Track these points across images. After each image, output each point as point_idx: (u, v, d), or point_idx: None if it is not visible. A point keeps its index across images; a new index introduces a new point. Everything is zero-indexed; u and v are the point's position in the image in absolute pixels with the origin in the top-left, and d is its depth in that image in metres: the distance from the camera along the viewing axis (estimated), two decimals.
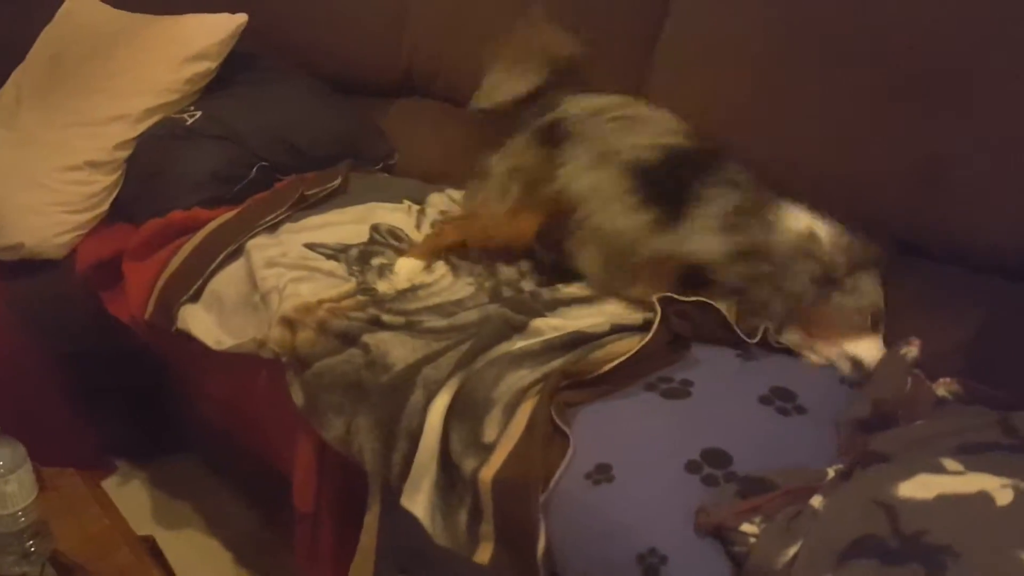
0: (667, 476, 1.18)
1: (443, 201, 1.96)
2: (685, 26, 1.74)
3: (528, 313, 1.47)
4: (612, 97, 1.67)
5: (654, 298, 1.44)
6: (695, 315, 1.44)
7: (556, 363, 1.34)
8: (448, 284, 1.65)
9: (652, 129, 1.58)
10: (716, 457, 1.19)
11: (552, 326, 1.42)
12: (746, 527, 1.10)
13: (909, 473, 1.15)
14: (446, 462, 1.29)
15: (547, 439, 1.24)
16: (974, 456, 1.20)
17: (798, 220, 1.44)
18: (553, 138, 1.62)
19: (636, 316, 1.46)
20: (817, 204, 1.46)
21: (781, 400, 1.32)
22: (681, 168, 1.52)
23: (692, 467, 1.18)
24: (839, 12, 1.54)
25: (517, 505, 1.20)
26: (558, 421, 1.25)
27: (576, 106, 1.65)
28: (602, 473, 1.19)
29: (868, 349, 1.37)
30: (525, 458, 1.22)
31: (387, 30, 2.25)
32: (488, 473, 1.23)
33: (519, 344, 1.39)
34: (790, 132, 1.56)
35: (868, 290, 1.41)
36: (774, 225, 1.44)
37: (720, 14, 1.69)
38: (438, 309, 1.54)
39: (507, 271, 1.70)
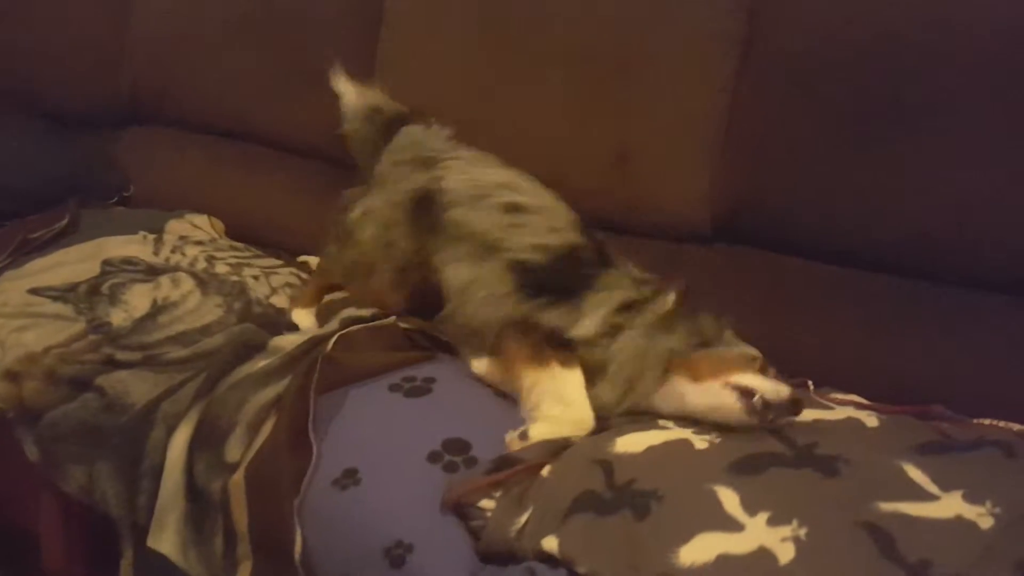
0: (410, 470, 1.23)
1: (183, 227, 1.92)
2: (399, 36, 1.81)
3: (270, 330, 1.48)
4: (490, 167, 1.49)
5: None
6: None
7: (298, 376, 1.36)
8: (195, 306, 1.61)
9: (540, 224, 1.42)
10: (456, 445, 1.26)
11: (291, 341, 1.44)
12: (485, 503, 1.18)
13: (625, 432, 1.28)
14: (194, 493, 1.28)
15: (294, 448, 1.26)
16: None
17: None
18: (428, 217, 1.44)
19: (364, 312, 1.51)
20: None
21: None
22: (566, 271, 1.39)
23: (434, 457, 1.24)
24: (536, 18, 1.67)
25: (271, 512, 1.22)
26: (311, 433, 1.28)
27: (456, 176, 1.46)
28: (349, 477, 1.23)
29: (755, 380, 1.24)
30: (273, 466, 1.24)
31: (105, 61, 2.17)
32: (237, 488, 1.24)
33: (261, 364, 1.39)
34: (503, 132, 1.67)
35: (746, 347, 1.33)
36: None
37: (430, 22, 1.78)
38: (181, 338, 1.51)
39: (259, 288, 1.70)
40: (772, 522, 1.09)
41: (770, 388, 1.22)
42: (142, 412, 1.34)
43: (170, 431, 1.30)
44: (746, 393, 1.22)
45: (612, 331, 1.33)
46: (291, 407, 1.28)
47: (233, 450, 1.27)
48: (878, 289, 1.51)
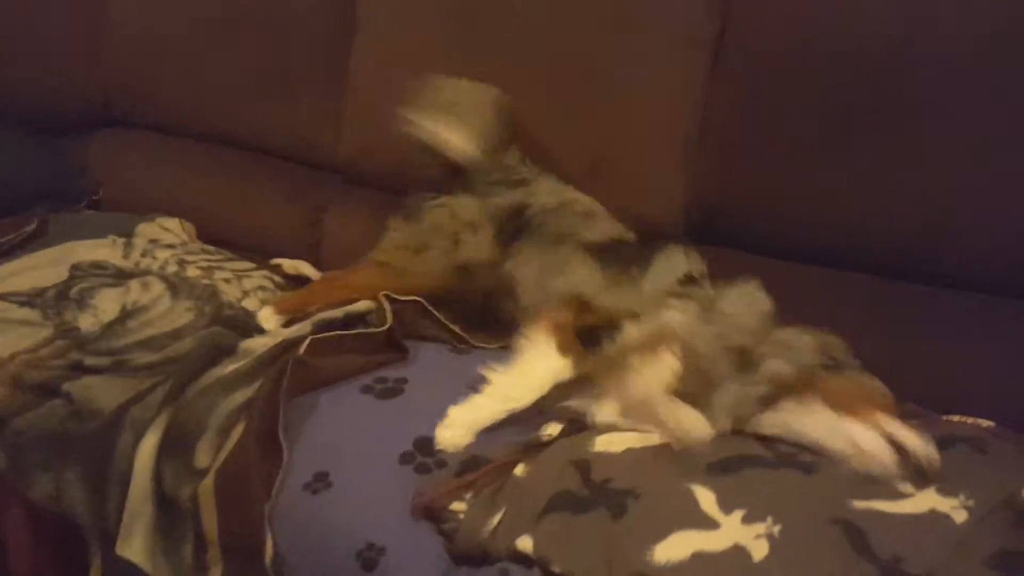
0: (382, 472, 1.22)
1: (153, 230, 1.89)
2: (373, 41, 1.81)
3: (240, 331, 1.47)
4: (570, 189, 1.58)
5: (381, 295, 1.50)
6: (408, 315, 1.52)
7: (267, 380, 1.34)
8: (165, 310, 1.58)
9: (609, 225, 1.52)
10: (427, 445, 1.25)
11: (262, 344, 1.43)
12: (456, 505, 1.17)
13: (604, 431, 1.27)
14: (163, 500, 1.26)
15: (264, 452, 1.24)
16: None
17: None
18: (514, 228, 1.50)
19: (337, 313, 1.50)
20: None
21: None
22: (629, 249, 1.46)
23: (406, 458, 1.23)
24: (510, 23, 1.67)
25: (241, 518, 1.20)
26: (281, 436, 1.26)
27: (543, 190, 1.55)
28: (320, 481, 1.22)
29: (909, 435, 1.13)
30: (243, 472, 1.22)
31: (78, 61, 2.13)
32: (207, 494, 1.22)
33: (231, 367, 1.37)
34: None
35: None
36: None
37: (403, 27, 1.77)
38: (150, 343, 1.48)
39: (231, 291, 1.68)
40: (747, 520, 1.09)
41: (923, 451, 1.11)
42: (110, 418, 1.32)
43: (138, 437, 1.28)
44: (899, 448, 1.12)
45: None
46: (261, 411, 1.27)
47: (202, 455, 1.25)
48: (854, 288, 1.51)
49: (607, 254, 1.41)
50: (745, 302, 1.32)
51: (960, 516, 1.10)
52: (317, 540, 1.18)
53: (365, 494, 1.20)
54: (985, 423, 1.32)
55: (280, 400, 1.27)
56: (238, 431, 1.26)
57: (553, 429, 1.28)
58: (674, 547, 1.05)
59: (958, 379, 1.40)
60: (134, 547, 1.24)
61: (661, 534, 1.06)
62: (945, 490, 1.14)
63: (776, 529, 1.06)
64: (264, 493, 1.20)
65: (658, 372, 1.19)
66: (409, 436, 1.26)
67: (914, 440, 1.12)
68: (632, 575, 1.02)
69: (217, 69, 2.00)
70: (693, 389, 1.20)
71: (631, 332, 1.26)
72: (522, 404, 1.28)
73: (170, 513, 1.26)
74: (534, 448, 1.24)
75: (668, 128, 1.56)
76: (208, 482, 1.22)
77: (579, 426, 1.29)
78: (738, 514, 1.10)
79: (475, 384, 1.38)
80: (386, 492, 1.19)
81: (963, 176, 1.39)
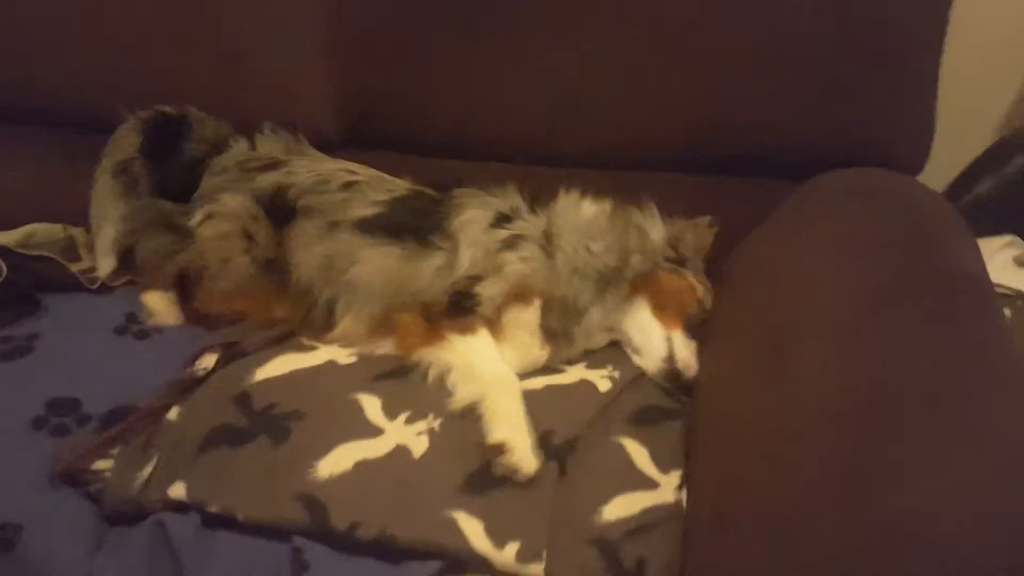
0: (11, 442, 1.08)
1: None
2: None
3: None
4: (328, 160, 1.44)
5: None
6: (37, 268, 1.34)
7: None
8: None
9: (372, 189, 1.37)
10: (63, 405, 1.13)
11: None
12: (100, 464, 1.06)
13: (265, 360, 1.21)
14: None
15: None
16: None
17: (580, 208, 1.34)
18: (278, 211, 1.35)
19: None
20: None
21: (138, 324, 1.30)
22: (409, 208, 1.34)
23: (38, 423, 1.10)
24: None
25: None
26: None
27: (300, 168, 1.40)
28: None
29: (685, 349, 1.24)
30: None
31: None
32: None
33: None
34: (102, 49, 1.50)
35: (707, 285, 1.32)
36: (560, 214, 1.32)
37: None
38: None
39: None
40: (411, 420, 1.10)
41: (687, 366, 1.22)
42: None
43: None
44: (671, 358, 1.23)
45: (513, 241, 1.27)
46: None
47: None
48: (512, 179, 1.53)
49: (389, 226, 1.30)
50: (575, 215, 1.32)
51: (605, 385, 1.19)
52: None
53: None
54: None
55: None
56: None
57: (208, 361, 1.20)
58: (337, 460, 1.03)
59: None
60: None
61: (324, 450, 1.04)
62: (594, 364, 1.24)
63: (436, 424, 1.09)
64: None
65: (526, 320, 1.23)
66: (41, 398, 1.13)
67: (686, 354, 1.24)
68: (295, 497, 0.99)
69: None
70: (559, 325, 1.24)
71: (491, 291, 1.23)
72: (515, 380, 1.16)
73: None
74: (189, 387, 1.16)
75: (305, 22, 1.47)
76: None
77: (237, 352, 1.22)
78: (403, 416, 1.10)
79: (119, 327, 1.28)
80: (18, 465, 1.06)
81: (582, 66, 1.42)
